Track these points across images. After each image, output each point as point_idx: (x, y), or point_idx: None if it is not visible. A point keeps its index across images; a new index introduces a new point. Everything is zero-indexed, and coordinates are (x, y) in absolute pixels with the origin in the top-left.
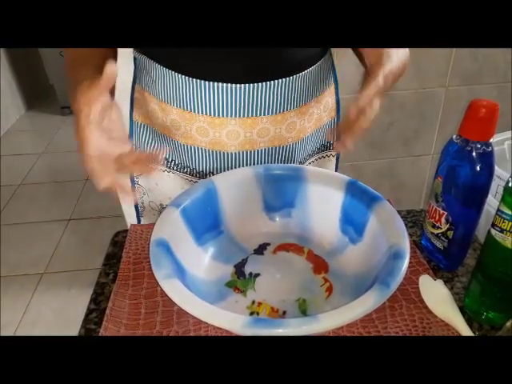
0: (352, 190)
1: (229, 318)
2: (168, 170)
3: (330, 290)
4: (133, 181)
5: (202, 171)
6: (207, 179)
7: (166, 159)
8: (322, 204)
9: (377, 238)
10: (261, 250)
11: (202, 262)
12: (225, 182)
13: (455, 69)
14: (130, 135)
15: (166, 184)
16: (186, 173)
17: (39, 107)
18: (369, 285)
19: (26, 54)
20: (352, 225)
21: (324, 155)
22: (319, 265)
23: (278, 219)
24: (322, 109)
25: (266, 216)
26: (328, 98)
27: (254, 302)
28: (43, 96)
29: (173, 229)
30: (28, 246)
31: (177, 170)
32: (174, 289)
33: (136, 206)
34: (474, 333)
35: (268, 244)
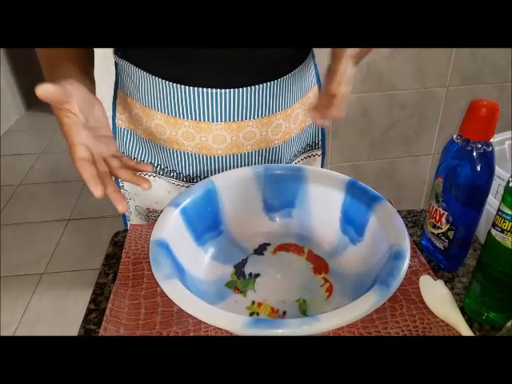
0: (352, 189)
1: (228, 319)
2: (154, 174)
3: (330, 290)
4: (118, 185)
5: (189, 175)
6: (207, 179)
7: (152, 164)
8: (323, 204)
9: (377, 238)
10: (261, 250)
11: (202, 262)
12: (225, 181)
13: (455, 69)
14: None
15: (152, 189)
16: (172, 177)
17: (39, 107)
18: (369, 285)
19: (26, 54)
20: (352, 225)
21: (309, 155)
22: (319, 265)
23: (278, 219)
24: (307, 110)
25: (266, 216)
26: (312, 99)
27: (253, 303)
28: None
29: (172, 229)
30: (28, 246)
31: (163, 175)
32: (173, 289)
33: None
34: (474, 333)
35: (268, 244)
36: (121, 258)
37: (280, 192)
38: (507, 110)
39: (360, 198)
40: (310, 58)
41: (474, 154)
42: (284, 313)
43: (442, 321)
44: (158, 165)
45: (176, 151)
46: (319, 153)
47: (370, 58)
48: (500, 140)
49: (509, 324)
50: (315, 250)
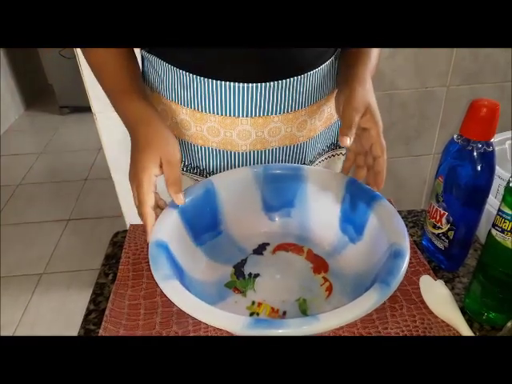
0: (352, 189)
1: (229, 319)
2: None
3: (329, 289)
4: None
5: (213, 171)
6: (206, 179)
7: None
8: (322, 203)
9: (377, 237)
10: (260, 250)
11: (201, 262)
12: (224, 182)
13: (456, 68)
14: None
15: None
16: (195, 173)
17: (38, 107)
18: (369, 284)
19: (26, 54)
20: (352, 224)
21: (334, 154)
22: (319, 264)
23: (277, 219)
24: (333, 107)
25: (265, 216)
26: None
27: (253, 303)
28: (42, 96)
29: (172, 229)
30: (27, 246)
31: (186, 171)
32: (173, 290)
33: None
34: (474, 333)
35: (267, 244)
36: (120, 258)
37: (279, 192)
38: (508, 110)
39: (359, 197)
40: (338, 55)
41: (475, 153)
42: (284, 313)
43: (443, 321)
44: (182, 161)
45: (200, 147)
46: (343, 152)
47: None
48: (500, 140)
49: (509, 324)
50: (314, 250)
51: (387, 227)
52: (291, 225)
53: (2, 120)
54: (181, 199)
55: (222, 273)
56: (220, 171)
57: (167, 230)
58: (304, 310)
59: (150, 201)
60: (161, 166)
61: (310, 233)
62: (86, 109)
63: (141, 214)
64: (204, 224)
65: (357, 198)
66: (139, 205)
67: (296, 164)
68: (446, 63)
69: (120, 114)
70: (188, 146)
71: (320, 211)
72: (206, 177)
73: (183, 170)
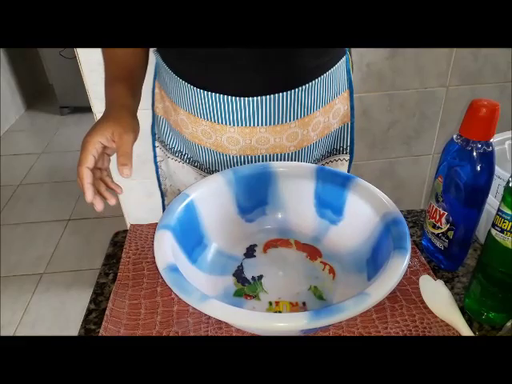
0: (322, 175)
1: (290, 319)
2: (182, 161)
3: (332, 271)
4: (156, 165)
5: (209, 168)
6: (182, 193)
7: (181, 152)
8: (295, 195)
9: (361, 212)
10: (250, 252)
11: (201, 279)
12: (200, 193)
13: (456, 68)
14: (153, 126)
15: (181, 173)
16: (196, 167)
17: (39, 107)
18: (369, 256)
19: (26, 54)
20: (329, 207)
21: (336, 159)
22: (312, 251)
23: (254, 219)
24: (331, 117)
25: (242, 219)
26: (339, 106)
27: (271, 303)
28: (43, 96)
29: (172, 252)
30: (28, 246)
31: (189, 164)
32: (216, 309)
33: (160, 187)
34: (474, 333)
35: (255, 245)
36: (121, 258)
37: (251, 192)
38: (507, 110)
39: (332, 181)
40: (342, 65)
41: (474, 153)
42: (304, 303)
43: (442, 321)
44: (185, 153)
45: (197, 145)
46: (346, 158)
47: (370, 58)
48: (500, 140)
49: (509, 324)
50: (300, 239)
51: (371, 201)
52: (270, 221)
53: (3, 120)
54: (127, 171)
55: (224, 284)
56: (215, 168)
57: (170, 253)
58: (320, 296)
59: (88, 162)
60: (113, 141)
61: (290, 225)
62: (87, 109)
63: (77, 174)
64: (191, 241)
65: (329, 182)
66: (78, 164)
67: (263, 162)
68: (446, 63)
69: (105, 98)
70: (188, 143)
71: (294, 202)
72: (205, 171)
73: (186, 161)
